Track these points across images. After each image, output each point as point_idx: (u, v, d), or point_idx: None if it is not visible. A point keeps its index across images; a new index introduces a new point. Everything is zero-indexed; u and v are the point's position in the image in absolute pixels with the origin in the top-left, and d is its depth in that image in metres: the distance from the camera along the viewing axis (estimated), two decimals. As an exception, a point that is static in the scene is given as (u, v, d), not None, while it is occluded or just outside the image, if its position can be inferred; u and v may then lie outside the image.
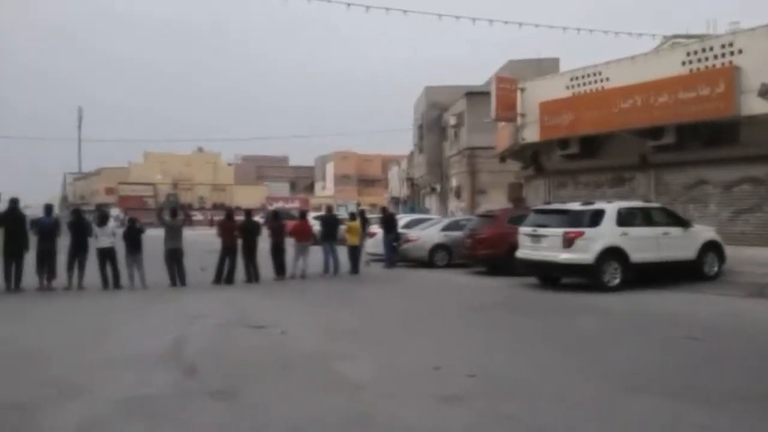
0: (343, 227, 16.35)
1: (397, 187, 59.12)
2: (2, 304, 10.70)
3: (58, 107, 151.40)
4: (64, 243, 12.70)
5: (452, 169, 33.62)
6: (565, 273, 12.31)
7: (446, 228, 18.17)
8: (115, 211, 54.76)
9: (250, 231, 13.68)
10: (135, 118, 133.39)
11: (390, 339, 7.80)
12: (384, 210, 19.34)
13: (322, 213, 23.01)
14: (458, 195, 32.12)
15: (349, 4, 17.29)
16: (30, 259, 12.29)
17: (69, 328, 8.57)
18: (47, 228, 12.35)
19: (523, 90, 19.84)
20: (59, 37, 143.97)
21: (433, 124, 36.61)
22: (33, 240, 12.38)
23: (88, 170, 77.31)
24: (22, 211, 12.81)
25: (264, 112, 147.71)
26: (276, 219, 14.78)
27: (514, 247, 13.15)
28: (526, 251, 12.63)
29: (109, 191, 69.69)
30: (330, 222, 15.65)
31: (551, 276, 12.73)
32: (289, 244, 14.60)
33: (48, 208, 13.00)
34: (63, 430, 4.39)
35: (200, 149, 77.06)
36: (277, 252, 14.16)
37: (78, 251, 12.42)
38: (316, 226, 19.88)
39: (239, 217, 14.25)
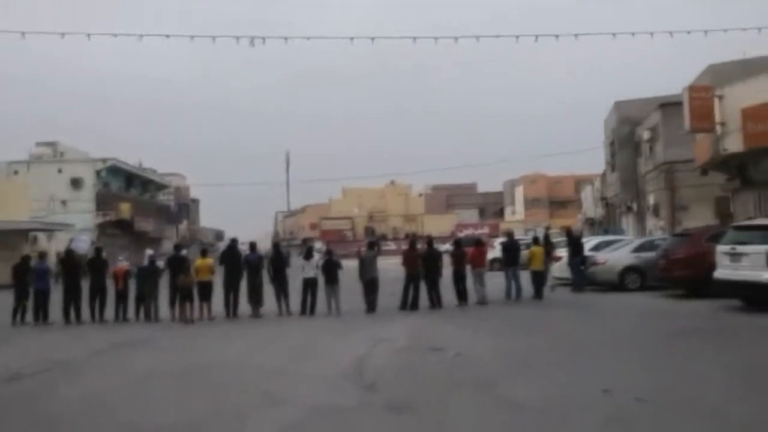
0: (525, 252, 16.29)
1: (591, 208, 56.62)
2: (226, 329, 12.40)
3: (268, 153, 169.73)
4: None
5: (648, 186, 31.54)
6: (772, 294, 11.07)
7: (638, 249, 17.22)
8: (318, 244, 59.62)
9: (431, 259, 14.29)
10: (335, 158, 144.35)
11: (566, 364, 7.71)
12: (569, 232, 18.85)
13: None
14: (656, 213, 30.01)
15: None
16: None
17: (277, 348, 9.76)
18: (253, 263, 14.11)
19: (720, 97, 18.29)
20: (270, 95, 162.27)
21: (626, 140, 34.71)
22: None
23: (295, 208, 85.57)
24: (238, 250, 14.76)
25: (452, 140, 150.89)
26: (458, 247, 15.23)
27: (715, 267, 12.16)
28: (724, 271, 11.62)
29: (313, 226, 75.96)
30: (511, 248, 15.71)
31: (755, 298, 11.52)
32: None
33: (252, 246, 14.80)
34: (268, 430, 5.21)
35: (392, 182, 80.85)
36: (458, 279, 14.58)
37: (279, 281, 13.95)
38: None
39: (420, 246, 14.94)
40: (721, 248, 11.80)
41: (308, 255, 14.39)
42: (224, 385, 7.07)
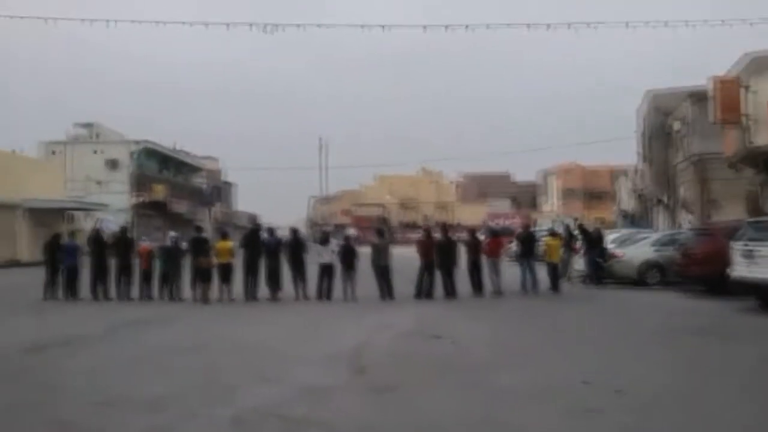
0: (541, 244, 16.30)
1: (625, 200, 55.76)
2: (242, 310, 12.85)
3: (302, 138, 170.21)
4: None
5: (680, 178, 30.94)
6: (785, 294, 10.91)
7: (660, 243, 17.05)
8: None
9: (447, 248, 14.41)
10: (371, 144, 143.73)
11: (562, 356, 7.81)
12: (582, 227, 18.77)
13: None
14: (686, 207, 29.45)
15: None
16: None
17: (285, 331, 10.14)
18: (272, 248, 14.46)
19: (748, 88, 17.89)
20: (300, 80, 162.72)
21: (658, 131, 34.02)
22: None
23: (331, 194, 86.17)
24: (260, 235, 15.16)
25: (486, 129, 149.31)
26: (473, 237, 15.33)
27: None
28: (739, 269, 11.47)
29: (345, 212, 76.42)
30: (526, 240, 15.73)
31: (771, 298, 11.35)
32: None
33: (270, 231, 15.21)
34: (252, 405, 5.49)
35: (423, 169, 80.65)
36: (474, 269, 14.68)
37: (297, 266, 14.27)
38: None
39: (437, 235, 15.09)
40: (735, 245, 11.63)
41: (324, 241, 14.68)
42: (224, 363, 7.41)
